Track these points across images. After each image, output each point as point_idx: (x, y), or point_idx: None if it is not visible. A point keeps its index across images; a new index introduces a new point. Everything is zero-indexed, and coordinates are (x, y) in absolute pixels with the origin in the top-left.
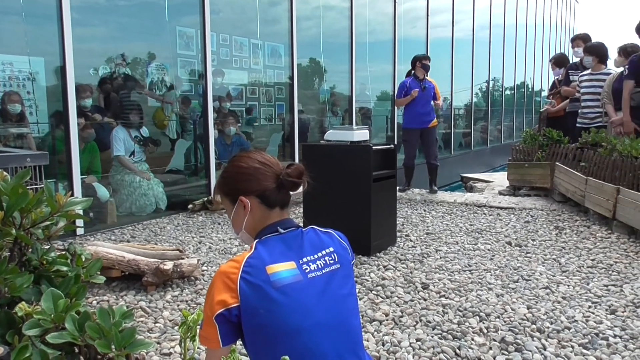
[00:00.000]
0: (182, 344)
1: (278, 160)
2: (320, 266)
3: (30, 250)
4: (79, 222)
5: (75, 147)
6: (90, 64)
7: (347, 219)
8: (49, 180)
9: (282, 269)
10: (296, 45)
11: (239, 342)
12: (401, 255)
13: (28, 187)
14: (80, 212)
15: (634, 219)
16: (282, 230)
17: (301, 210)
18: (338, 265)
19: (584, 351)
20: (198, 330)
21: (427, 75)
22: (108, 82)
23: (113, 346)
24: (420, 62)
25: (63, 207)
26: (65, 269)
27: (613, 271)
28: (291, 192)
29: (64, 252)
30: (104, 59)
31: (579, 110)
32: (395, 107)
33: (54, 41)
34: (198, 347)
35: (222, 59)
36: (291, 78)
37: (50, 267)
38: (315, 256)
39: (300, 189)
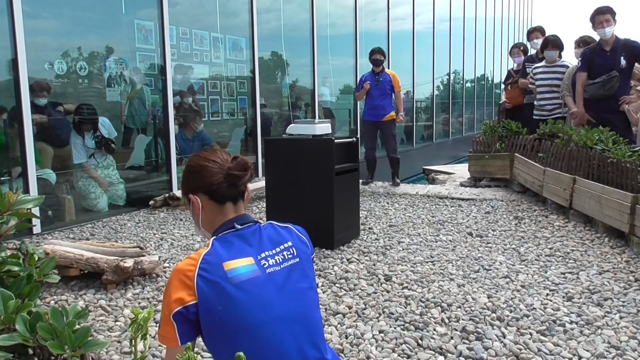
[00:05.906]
0: (133, 343)
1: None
2: (278, 261)
3: None
4: (35, 221)
5: (30, 143)
6: (44, 59)
7: (310, 213)
8: (2, 178)
9: (240, 265)
10: (257, 39)
11: (200, 339)
12: (364, 247)
13: None
14: (37, 210)
15: (589, 207)
16: (239, 226)
17: (264, 204)
18: (297, 260)
19: (542, 338)
20: (157, 329)
21: (384, 68)
22: (63, 78)
23: (67, 347)
24: (370, 58)
25: (13, 206)
26: (16, 268)
27: (570, 259)
28: (244, 187)
29: (15, 252)
30: (59, 53)
31: (535, 102)
32: (358, 100)
33: (5, 35)
34: (159, 345)
35: (183, 52)
36: (253, 72)
37: (1, 268)
38: (274, 251)
39: (260, 184)
